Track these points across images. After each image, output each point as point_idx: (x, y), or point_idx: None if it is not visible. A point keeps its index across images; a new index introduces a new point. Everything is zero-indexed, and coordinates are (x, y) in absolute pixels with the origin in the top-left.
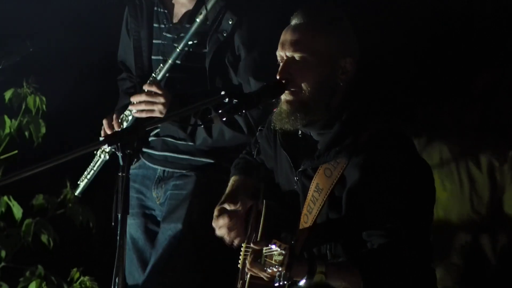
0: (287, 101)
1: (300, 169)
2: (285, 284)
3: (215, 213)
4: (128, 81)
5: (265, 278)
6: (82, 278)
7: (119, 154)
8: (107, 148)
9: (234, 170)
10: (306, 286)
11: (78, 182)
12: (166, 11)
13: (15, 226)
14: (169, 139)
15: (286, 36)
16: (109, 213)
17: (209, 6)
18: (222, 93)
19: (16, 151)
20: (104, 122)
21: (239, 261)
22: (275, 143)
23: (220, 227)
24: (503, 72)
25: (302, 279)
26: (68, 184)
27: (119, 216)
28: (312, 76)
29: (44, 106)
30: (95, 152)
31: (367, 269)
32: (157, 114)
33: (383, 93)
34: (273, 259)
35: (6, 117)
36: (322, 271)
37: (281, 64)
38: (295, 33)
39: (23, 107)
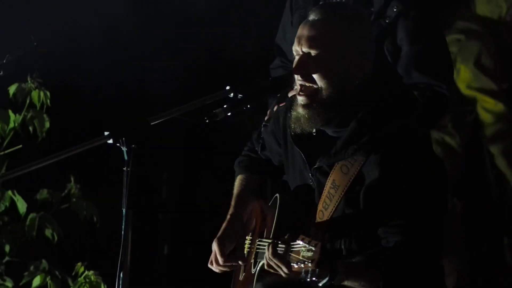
0: (305, 105)
1: (315, 166)
2: (313, 280)
3: (215, 246)
4: (281, 69)
5: (283, 274)
6: (86, 272)
7: (124, 149)
8: None
9: (239, 169)
10: (327, 286)
11: None
12: None
13: (19, 221)
14: None
15: (303, 31)
16: (113, 207)
17: None
18: (227, 87)
19: (20, 146)
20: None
21: (243, 254)
22: (286, 139)
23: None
24: None
25: (324, 278)
26: (72, 179)
27: (123, 211)
28: (327, 72)
29: (48, 101)
30: None
31: (387, 269)
32: None
33: (398, 90)
34: (301, 255)
35: (10, 112)
36: (343, 271)
37: (296, 58)
38: (312, 29)
39: (27, 102)
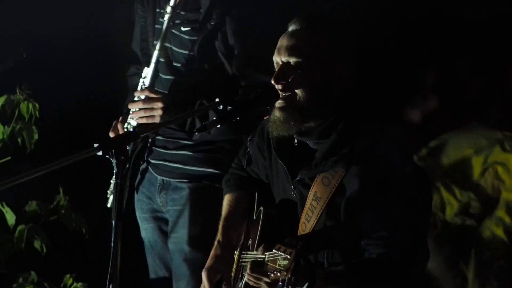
0: (281, 108)
1: (297, 178)
2: None
3: (204, 278)
4: (137, 77)
5: (264, 285)
6: (75, 284)
7: (113, 161)
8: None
9: (227, 188)
10: None
11: (108, 196)
12: None
13: (8, 233)
14: (161, 149)
15: (282, 41)
16: (102, 219)
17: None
18: (217, 100)
19: (9, 158)
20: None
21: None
22: (270, 152)
23: None
24: (495, 80)
25: (302, 286)
26: (61, 191)
27: (113, 223)
28: (307, 82)
29: (37, 113)
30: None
31: (366, 278)
32: (158, 120)
33: (378, 101)
34: (277, 263)
35: None
36: (322, 278)
37: (276, 69)
38: (291, 38)
39: (16, 113)
